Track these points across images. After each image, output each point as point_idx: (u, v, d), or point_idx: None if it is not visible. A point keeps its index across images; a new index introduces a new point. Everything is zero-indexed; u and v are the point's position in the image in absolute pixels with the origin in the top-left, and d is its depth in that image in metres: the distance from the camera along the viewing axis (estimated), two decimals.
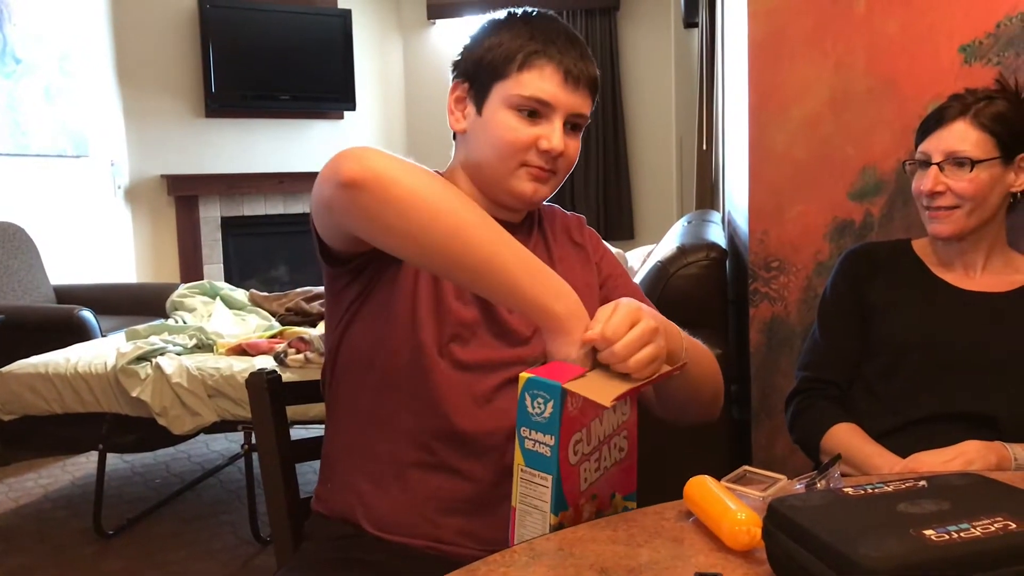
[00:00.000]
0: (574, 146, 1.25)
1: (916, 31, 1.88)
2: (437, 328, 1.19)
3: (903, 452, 1.42)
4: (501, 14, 1.27)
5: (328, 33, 6.15)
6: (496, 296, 1.07)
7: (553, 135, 1.20)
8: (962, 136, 1.50)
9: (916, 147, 1.58)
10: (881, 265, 1.63)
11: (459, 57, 1.29)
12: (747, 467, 1.11)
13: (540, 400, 0.95)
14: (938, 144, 1.53)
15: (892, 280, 1.61)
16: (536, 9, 1.27)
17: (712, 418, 1.31)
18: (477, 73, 1.24)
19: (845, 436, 1.51)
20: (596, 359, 1.02)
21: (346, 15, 6.22)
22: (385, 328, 1.20)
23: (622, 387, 0.98)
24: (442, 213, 1.02)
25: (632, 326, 1.00)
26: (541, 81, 1.20)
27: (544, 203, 1.39)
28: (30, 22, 4.77)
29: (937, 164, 1.52)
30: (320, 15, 6.19)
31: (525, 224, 1.33)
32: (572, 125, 1.24)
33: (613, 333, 0.99)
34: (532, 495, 0.97)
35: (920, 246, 1.65)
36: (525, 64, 1.20)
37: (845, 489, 0.88)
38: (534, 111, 1.20)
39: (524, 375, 0.96)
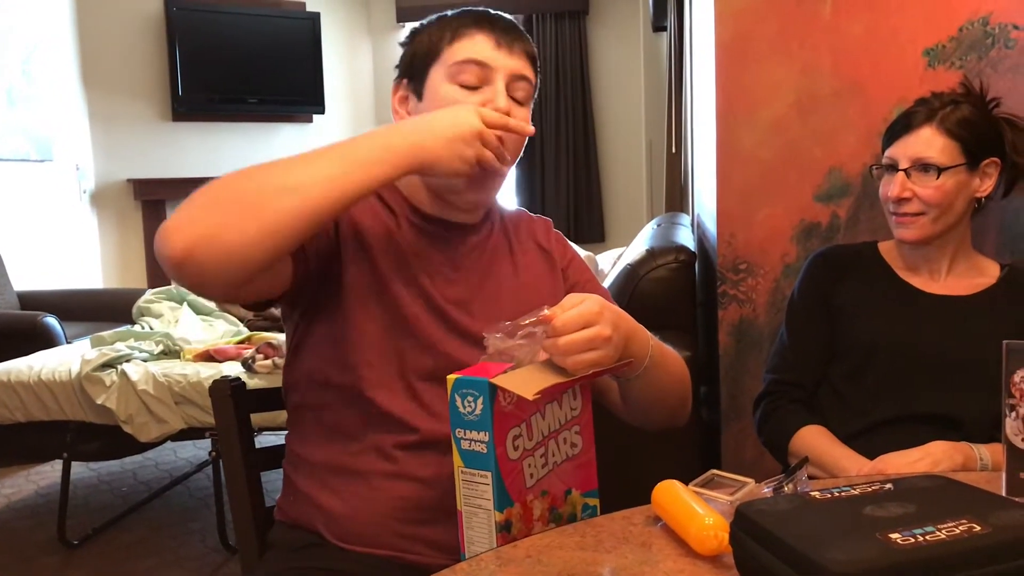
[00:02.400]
0: (522, 116, 1.23)
1: (881, 34, 1.89)
2: (391, 340, 1.18)
3: (870, 454, 1.43)
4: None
5: (297, 36, 6.11)
6: (364, 178, 1.04)
7: (497, 96, 1.19)
8: (928, 142, 1.51)
9: (883, 151, 1.59)
10: (847, 268, 1.64)
11: (398, 62, 1.29)
12: (715, 471, 1.11)
13: (470, 398, 0.96)
14: (905, 150, 1.53)
15: (858, 283, 1.61)
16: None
17: (679, 424, 1.31)
18: (413, 65, 1.25)
19: (813, 438, 1.51)
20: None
21: (315, 18, 6.19)
22: (336, 349, 1.19)
23: (549, 381, 0.98)
24: (264, 197, 0.99)
25: (585, 327, 1.01)
26: (473, 45, 1.20)
27: (512, 208, 1.38)
28: None
29: (904, 170, 1.53)
30: (289, 18, 6.15)
31: (484, 226, 1.31)
32: (517, 99, 1.23)
33: (563, 326, 1.00)
34: (475, 495, 0.97)
35: (886, 249, 1.66)
36: (455, 37, 1.21)
37: (812, 493, 0.88)
38: (475, 87, 1.19)
39: (451, 377, 0.97)
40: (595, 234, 6.57)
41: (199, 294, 1.07)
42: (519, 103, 1.23)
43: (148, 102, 5.75)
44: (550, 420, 1.03)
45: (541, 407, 1.02)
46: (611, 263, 3.31)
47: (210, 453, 2.94)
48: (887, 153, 1.58)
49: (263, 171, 1.01)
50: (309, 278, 1.17)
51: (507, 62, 1.21)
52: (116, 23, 5.60)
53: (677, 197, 4.71)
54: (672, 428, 1.31)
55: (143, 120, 5.75)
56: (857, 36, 1.90)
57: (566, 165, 6.53)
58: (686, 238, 2.37)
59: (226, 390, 1.33)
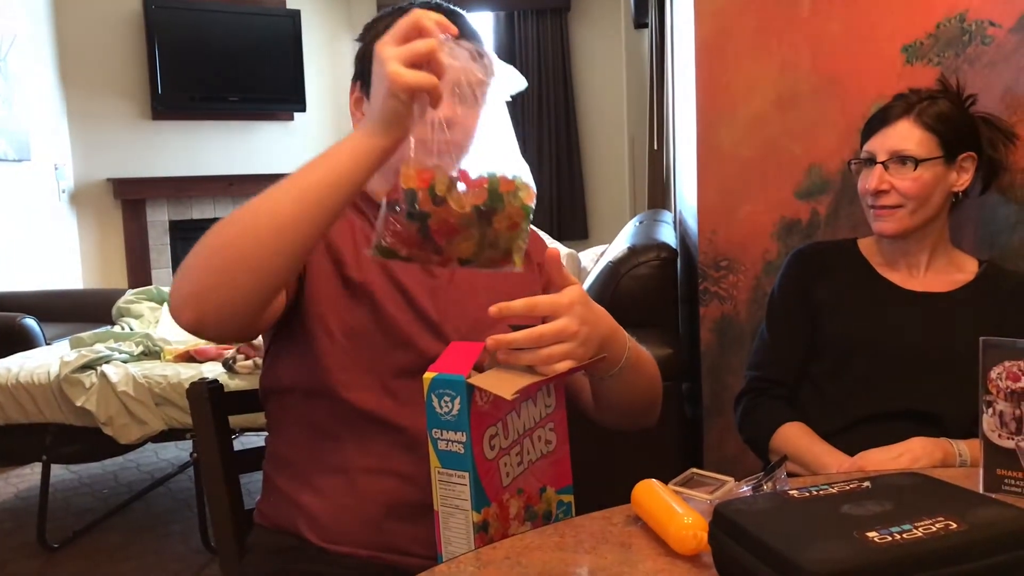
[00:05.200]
0: (471, 117, 1.19)
1: (859, 31, 1.90)
2: (364, 339, 1.18)
3: (851, 450, 1.43)
4: None
5: (277, 34, 6.08)
6: (336, 196, 0.99)
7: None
8: (906, 135, 1.52)
9: (861, 146, 1.60)
10: (827, 265, 1.64)
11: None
12: (695, 469, 1.11)
13: (447, 398, 0.95)
14: (883, 143, 1.54)
15: (838, 280, 1.62)
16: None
17: (648, 425, 1.30)
18: (365, 65, 1.22)
19: (793, 435, 1.52)
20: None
21: (295, 15, 6.15)
22: (308, 355, 1.18)
23: (526, 380, 0.98)
24: (248, 243, 0.97)
25: (553, 317, 1.01)
26: None
27: None
28: None
29: (882, 163, 1.54)
30: (269, 15, 6.12)
31: None
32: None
33: (526, 308, 1.01)
34: (452, 495, 0.97)
35: (865, 245, 1.66)
36: None
37: (790, 491, 0.88)
38: None
39: (428, 375, 0.97)
40: (578, 231, 6.58)
41: (220, 342, 1.08)
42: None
43: (127, 100, 5.71)
44: (525, 418, 1.03)
45: (517, 406, 1.01)
46: (593, 260, 3.31)
47: (191, 454, 2.92)
48: (865, 147, 1.58)
49: (242, 216, 0.98)
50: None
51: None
52: (94, 20, 5.56)
53: (660, 194, 4.72)
54: (641, 430, 1.30)
55: (122, 119, 5.70)
56: (836, 33, 1.91)
57: (549, 162, 6.54)
58: (668, 235, 2.38)
59: (204, 392, 1.32)
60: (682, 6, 2.33)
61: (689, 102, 2.10)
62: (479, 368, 1.00)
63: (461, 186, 0.95)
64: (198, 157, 5.90)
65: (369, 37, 1.23)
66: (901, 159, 1.52)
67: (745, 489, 1.03)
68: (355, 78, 1.26)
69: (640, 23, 5.33)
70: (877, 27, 1.89)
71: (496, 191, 0.96)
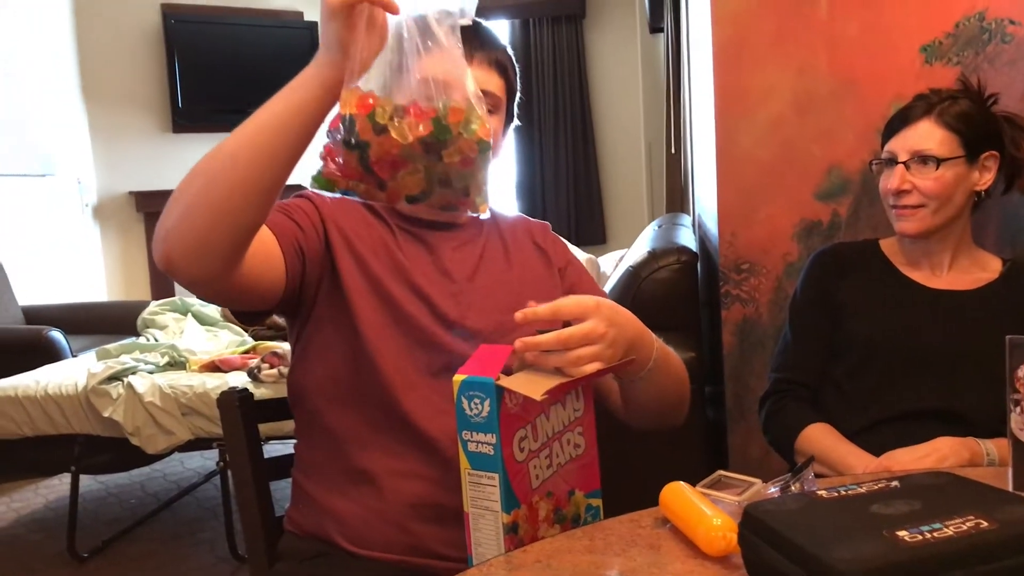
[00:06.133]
0: (491, 127, 1.22)
1: (877, 32, 1.90)
2: (394, 340, 1.19)
3: (876, 450, 1.43)
4: None
5: (295, 45, 6.12)
6: (289, 113, 0.98)
7: None
8: (927, 135, 1.52)
9: (882, 147, 1.60)
10: (849, 265, 1.64)
11: None
12: (722, 472, 1.11)
13: (477, 400, 0.96)
14: (904, 143, 1.54)
15: (860, 280, 1.62)
16: None
17: (675, 425, 1.31)
18: None
19: (819, 436, 1.52)
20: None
21: (312, 27, 6.19)
22: (345, 353, 1.20)
23: (555, 381, 0.98)
24: (204, 179, 0.98)
25: (581, 319, 1.02)
26: None
27: (511, 215, 1.39)
28: None
29: (903, 163, 1.54)
30: (286, 27, 6.16)
31: (472, 226, 1.31)
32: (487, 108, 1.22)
33: (552, 312, 1.02)
34: (482, 497, 0.98)
35: (888, 245, 1.66)
36: None
37: (819, 492, 0.88)
38: None
39: (458, 377, 0.97)
40: (596, 236, 6.58)
41: (201, 296, 1.08)
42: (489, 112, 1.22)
43: (148, 114, 5.77)
44: (554, 422, 1.04)
45: (546, 408, 1.02)
46: (613, 265, 3.31)
47: (217, 463, 2.94)
48: (886, 147, 1.58)
49: (207, 156, 0.99)
50: (305, 288, 1.19)
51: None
52: (115, 37, 5.62)
53: (677, 198, 4.71)
54: (671, 429, 1.31)
55: (144, 132, 5.76)
56: (853, 35, 1.91)
57: (566, 168, 6.54)
58: (687, 239, 2.38)
59: (234, 401, 1.34)
60: (698, 10, 2.33)
61: (707, 106, 2.11)
62: (508, 371, 1.01)
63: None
64: None
65: None
66: (923, 159, 1.52)
67: (773, 490, 1.03)
68: None
69: (655, 28, 5.33)
70: (895, 28, 1.89)
71: (442, 122, 0.92)
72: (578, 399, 1.08)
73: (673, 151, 4.76)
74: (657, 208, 5.85)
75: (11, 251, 4.59)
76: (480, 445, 0.97)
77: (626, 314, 1.10)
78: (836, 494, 0.87)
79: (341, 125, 0.92)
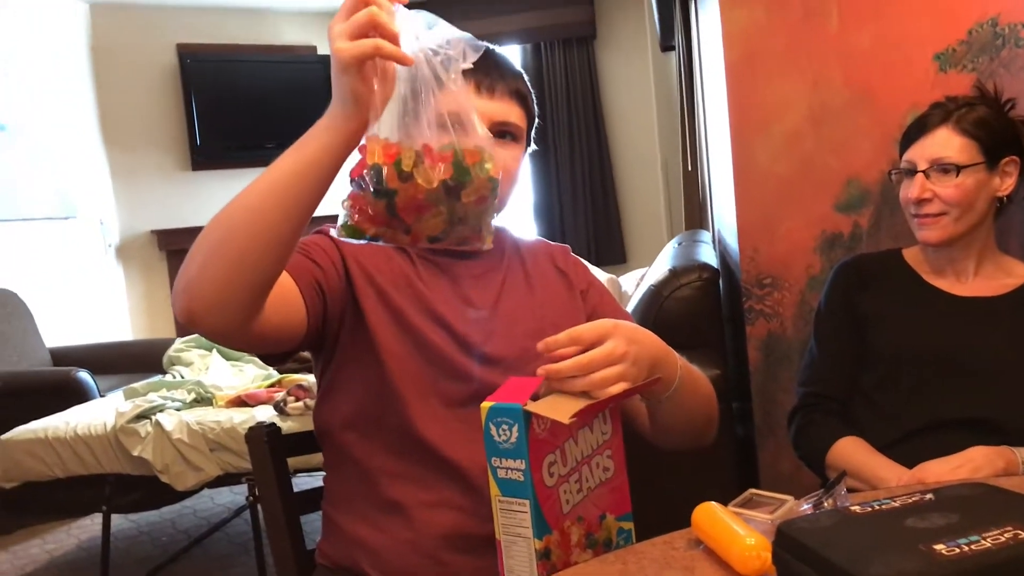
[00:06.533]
0: (508, 156, 1.22)
1: (889, 42, 1.90)
2: (419, 370, 1.19)
3: (908, 462, 1.41)
4: None
5: (309, 80, 6.17)
6: (305, 166, 0.98)
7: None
8: (946, 142, 1.52)
9: (900, 156, 1.60)
10: (873, 276, 1.63)
11: None
12: (753, 490, 1.11)
13: (505, 427, 0.96)
14: (922, 152, 1.54)
15: (885, 290, 1.61)
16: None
17: (706, 444, 1.30)
18: None
19: (850, 450, 1.50)
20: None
21: (326, 61, 6.19)
22: (371, 387, 1.20)
23: (581, 404, 0.98)
24: (222, 231, 0.98)
25: (600, 342, 1.02)
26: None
27: (531, 239, 1.39)
28: (12, 87, 4.80)
29: (923, 171, 1.53)
30: (301, 63, 6.22)
31: (494, 252, 1.30)
32: (508, 136, 1.22)
33: (574, 338, 1.02)
34: (513, 524, 0.97)
35: (911, 255, 1.65)
36: None
37: (852, 507, 0.87)
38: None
39: (486, 404, 0.97)
40: (616, 256, 6.57)
41: (224, 345, 1.08)
42: (510, 141, 1.22)
43: (167, 153, 5.84)
44: (583, 445, 1.04)
45: (574, 432, 1.02)
46: (634, 284, 3.31)
47: (247, 498, 2.94)
48: (905, 156, 1.58)
49: (224, 210, 0.99)
50: (327, 325, 1.19)
51: (488, 107, 1.19)
52: (133, 77, 5.70)
53: (696, 214, 4.70)
54: (699, 448, 1.30)
55: (163, 171, 5.83)
56: (866, 46, 1.91)
57: (583, 189, 6.54)
58: (708, 255, 2.37)
59: (262, 436, 1.34)
60: (709, 27, 2.34)
61: (722, 122, 2.11)
62: (536, 397, 1.01)
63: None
64: None
65: None
66: (943, 167, 1.51)
67: (806, 507, 1.02)
68: None
69: (667, 46, 5.34)
70: (907, 37, 1.88)
71: (462, 164, 0.94)
72: (605, 422, 1.08)
73: (690, 168, 4.76)
74: (676, 225, 5.84)
75: (37, 293, 4.64)
76: (510, 472, 0.97)
77: (646, 333, 1.10)
78: (870, 509, 0.86)
79: (366, 175, 0.93)
